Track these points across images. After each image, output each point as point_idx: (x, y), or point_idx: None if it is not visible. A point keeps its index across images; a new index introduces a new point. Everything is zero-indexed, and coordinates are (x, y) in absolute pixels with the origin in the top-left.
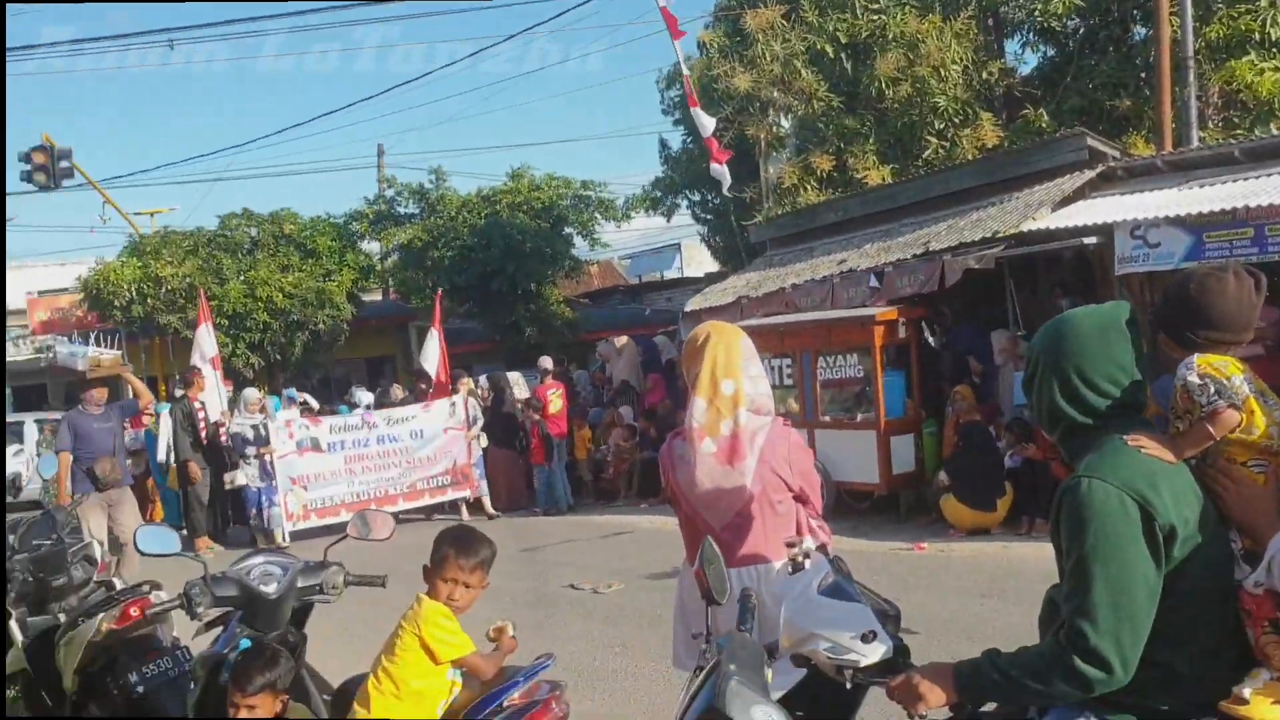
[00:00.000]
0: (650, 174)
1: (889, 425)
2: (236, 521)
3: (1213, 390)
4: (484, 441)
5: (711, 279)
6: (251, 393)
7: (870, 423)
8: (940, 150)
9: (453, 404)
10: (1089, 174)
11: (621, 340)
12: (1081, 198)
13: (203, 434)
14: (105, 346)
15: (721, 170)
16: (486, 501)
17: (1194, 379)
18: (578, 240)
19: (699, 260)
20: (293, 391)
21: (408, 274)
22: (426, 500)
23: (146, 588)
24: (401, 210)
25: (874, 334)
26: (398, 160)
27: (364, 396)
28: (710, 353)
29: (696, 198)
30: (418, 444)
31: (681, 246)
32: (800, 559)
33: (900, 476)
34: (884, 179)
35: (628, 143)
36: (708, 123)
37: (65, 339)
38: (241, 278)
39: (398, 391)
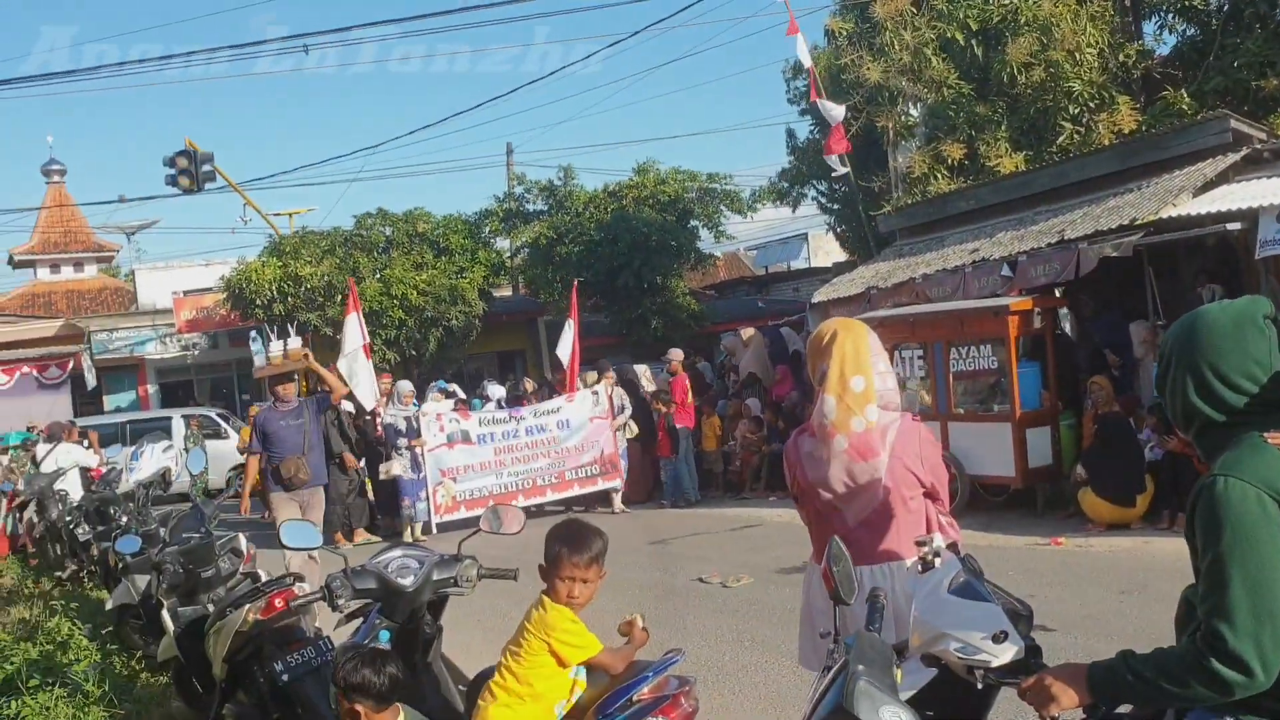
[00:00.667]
0: (777, 165)
1: (1024, 417)
2: (386, 514)
3: None
4: (631, 430)
5: (839, 269)
6: (405, 385)
7: (1005, 415)
8: (1075, 136)
9: (595, 393)
10: (1232, 157)
11: (748, 332)
12: (1225, 182)
13: (349, 427)
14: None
15: (835, 159)
16: (616, 497)
17: None
18: (703, 233)
19: (826, 250)
20: (443, 383)
21: (536, 270)
22: (575, 490)
23: (291, 579)
24: (530, 208)
25: (1008, 324)
26: (527, 158)
27: (496, 390)
28: (839, 349)
29: (823, 188)
30: (565, 434)
31: (809, 237)
32: (930, 557)
33: (1036, 470)
34: (1017, 167)
35: (754, 135)
36: (836, 112)
37: (254, 334)
38: (377, 276)
39: (528, 384)
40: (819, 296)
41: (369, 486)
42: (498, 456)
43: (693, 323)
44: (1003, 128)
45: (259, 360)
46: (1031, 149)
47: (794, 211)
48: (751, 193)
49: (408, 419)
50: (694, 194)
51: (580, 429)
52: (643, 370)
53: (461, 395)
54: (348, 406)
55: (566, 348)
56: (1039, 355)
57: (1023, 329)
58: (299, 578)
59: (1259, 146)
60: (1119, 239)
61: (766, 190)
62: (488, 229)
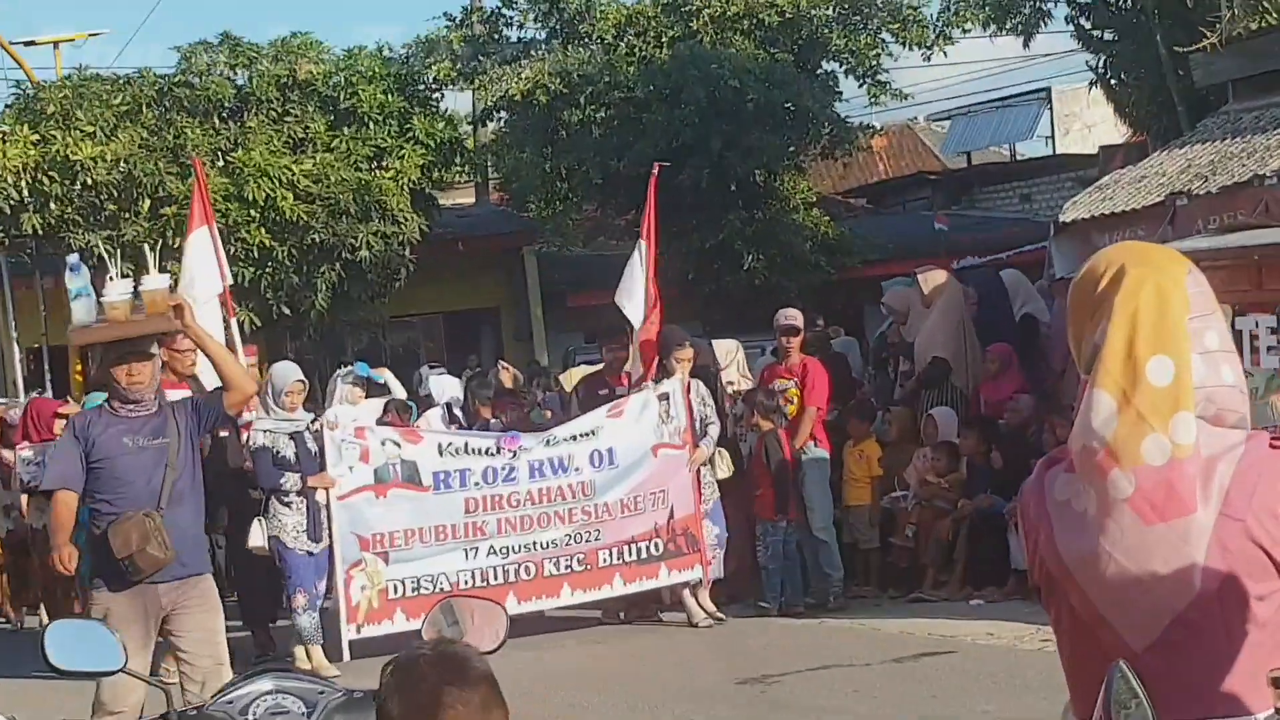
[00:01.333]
0: None
1: None
2: (252, 619)
3: None
4: (724, 467)
5: (1113, 159)
6: (287, 371)
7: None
8: None
9: (665, 397)
10: None
11: (934, 277)
12: None
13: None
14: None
15: None
16: (699, 596)
17: None
18: (848, 86)
19: (1087, 123)
20: (363, 367)
21: (523, 156)
22: (619, 587)
23: None
24: (513, 35)
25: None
26: None
27: (442, 386)
28: (1127, 303)
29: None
30: (604, 477)
31: (1053, 97)
32: None
33: None
34: None
35: None
36: None
37: (73, 262)
38: (220, 163)
39: (505, 377)
40: (1073, 212)
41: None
42: (472, 517)
43: (824, 260)
44: None
45: (81, 311)
46: None
47: (1026, 47)
48: (943, 8)
49: (295, 435)
50: (831, 10)
51: (633, 469)
52: (727, 351)
53: (397, 391)
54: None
55: (636, 294)
56: None
57: None
58: None
59: None
60: None
61: (971, 4)
62: (432, 76)
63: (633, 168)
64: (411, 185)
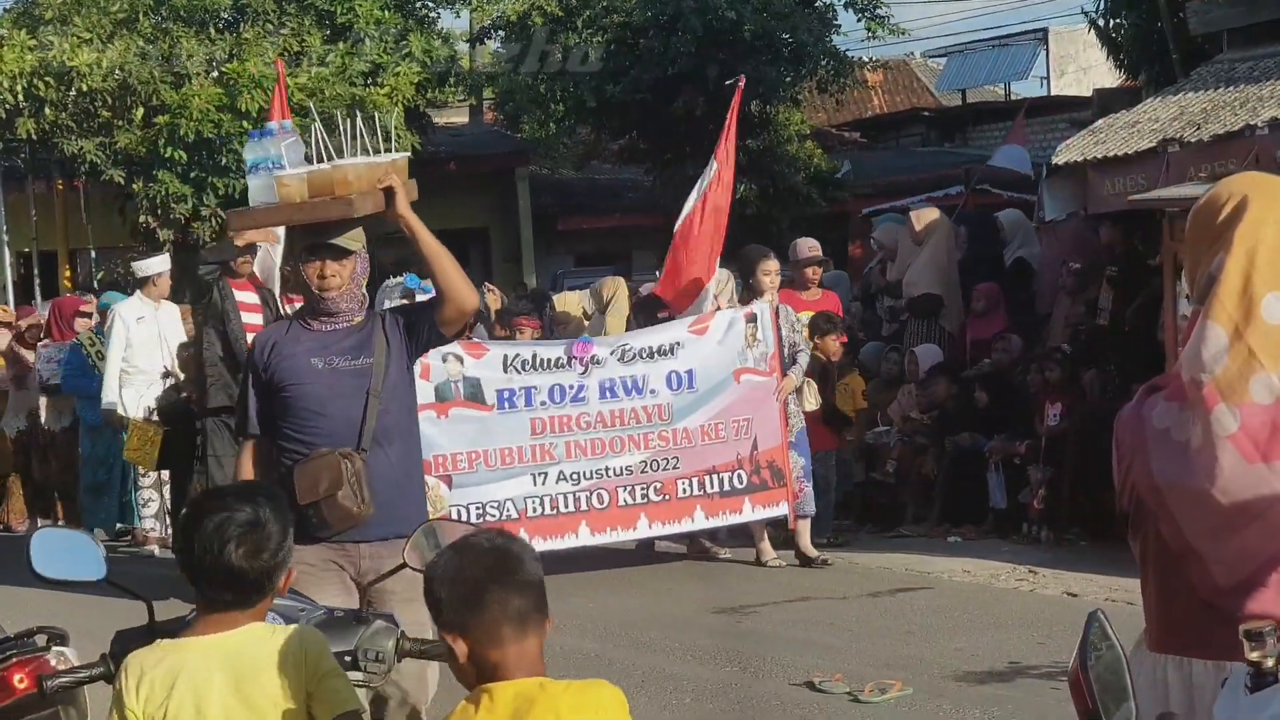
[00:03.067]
0: None
1: None
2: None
3: None
4: (813, 400)
5: (1107, 102)
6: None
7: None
8: None
9: (752, 319)
10: None
11: (926, 216)
12: None
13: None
14: None
15: None
16: (805, 535)
17: None
18: (846, 19)
19: (1082, 64)
20: (413, 279)
21: (519, 77)
22: (700, 520)
23: (42, 639)
24: None
25: None
26: None
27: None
28: (1246, 237)
29: None
30: (682, 401)
31: (1049, 38)
32: (1271, 663)
33: None
34: None
35: None
36: None
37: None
38: (214, 73)
39: (491, 298)
40: (1066, 154)
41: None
42: (539, 439)
43: (817, 194)
44: None
45: (261, 190)
46: None
47: None
48: None
49: None
50: None
51: (714, 393)
52: (719, 281)
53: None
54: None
55: (684, 214)
56: None
57: None
58: (58, 636)
59: None
60: None
61: None
62: None
63: (626, 97)
64: (406, 103)
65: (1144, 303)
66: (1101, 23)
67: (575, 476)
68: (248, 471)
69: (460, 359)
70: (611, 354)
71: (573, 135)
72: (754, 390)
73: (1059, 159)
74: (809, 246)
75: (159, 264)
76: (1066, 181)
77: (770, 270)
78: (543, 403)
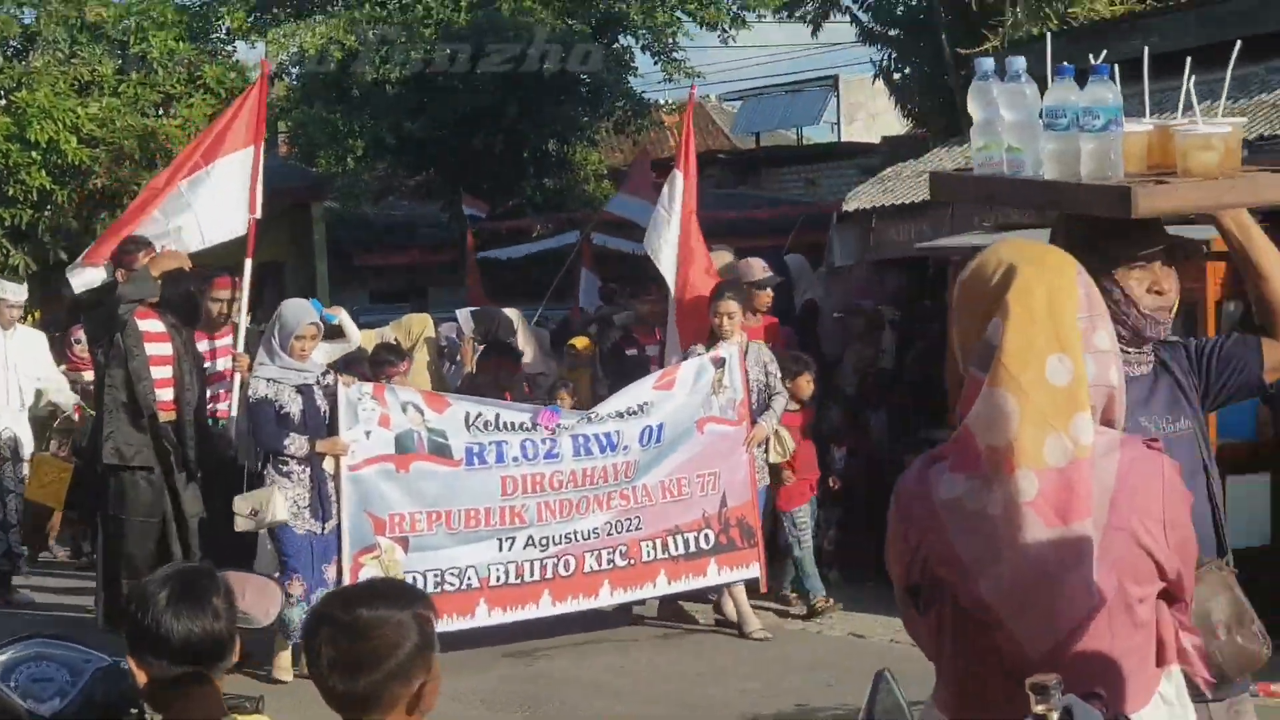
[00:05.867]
0: None
1: (1224, 455)
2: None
3: None
4: (779, 451)
5: (896, 149)
6: (301, 312)
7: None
8: None
9: (720, 362)
10: None
11: (721, 257)
12: None
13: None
14: None
15: None
16: (739, 599)
17: None
18: (644, 62)
19: (872, 112)
20: (317, 304)
21: (314, 111)
22: (662, 585)
23: None
24: None
25: (1205, 277)
26: None
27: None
28: (1020, 302)
29: None
30: (647, 456)
31: (840, 85)
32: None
33: (1239, 554)
34: None
35: None
36: None
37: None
38: (3, 101)
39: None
40: (856, 201)
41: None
42: (510, 500)
43: (616, 229)
44: None
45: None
46: None
47: (814, 35)
48: None
49: (302, 389)
50: None
51: (675, 445)
52: (515, 318)
53: (353, 335)
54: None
55: (670, 243)
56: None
57: (1230, 286)
58: None
59: None
60: None
61: None
62: (225, 26)
63: (424, 133)
64: (199, 133)
65: (926, 347)
66: (891, 71)
67: (544, 541)
68: None
69: (421, 410)
70: (579, 420)
71: (371, 170)
72: (721, 441)
73: (848, 206)
74: (762, 267)
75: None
76: (855, 228)
77: (724, 312)
78: (515, 459)
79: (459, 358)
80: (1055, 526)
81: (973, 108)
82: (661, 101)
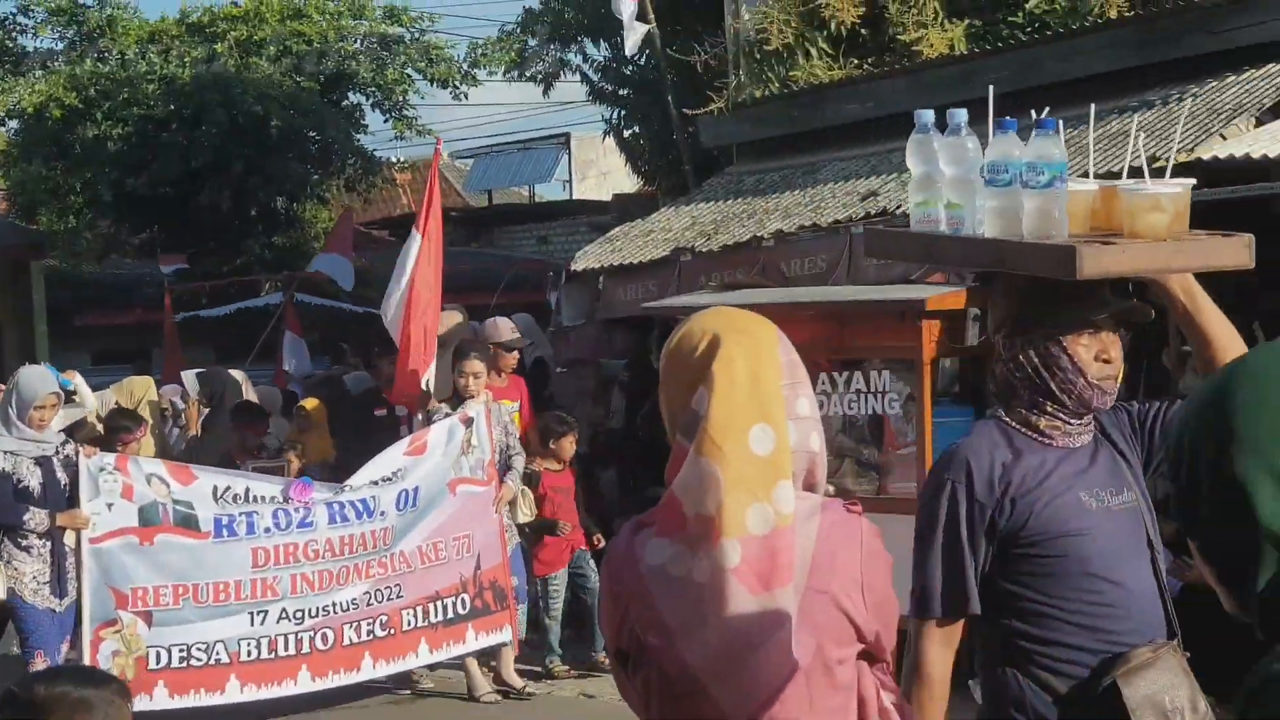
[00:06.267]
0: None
1: None
2: None
3: None
4: (527, 511)
5: (626, 209)
6: (38, 382)
7: (908, 504)
8: (1058, 0)
9: (469, 421)
10: None
11: (450, 317)
12: None
13: None
14: None
15: (626, 4)
16: (505, 663)
17: None
18: (374, 119)
19: (603, 170)
20: (71, 378)
21: (33, 168)
22: (424, 655)
23: None
24: (28, 44)
25: (920, 335)
26: None
27: None
28: (724, 372)
29: (602, 54)
30: (404, 522)
31: (572, 143)
32: None
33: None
34: (953, 47)
35: None
36: None
37: None
38: None
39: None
40: (585, 260)
41: None
42: (261, 572)
43: (341, 291)
44: None
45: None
46: (980, 16)
47: (546, 94)
48: (469, 52)
49: (41, 461)
50: (359, 44)
51: (430, 508)
52: (243, 379)
53: (88, 401)
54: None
55: (397, 300)
56: (973, 395)
57: (945, 343)
58: None
59: None
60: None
61: (496, 48)
62: None
63: (147, 190)
64: None
65: (655, 407)
66: (620, 130)
67: (299, 614)
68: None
69: (166, 482)
70: (332, 493)
71: (93, 228)
72: (473, 502)
73: (576, 265)
74: (509, 328)
75: None
76: (584, 287)
77: (469, 372)
78: (266, 530)
79: (183, 420)
80: (758, 594)
81: (912, 161)
82: (394, 159)
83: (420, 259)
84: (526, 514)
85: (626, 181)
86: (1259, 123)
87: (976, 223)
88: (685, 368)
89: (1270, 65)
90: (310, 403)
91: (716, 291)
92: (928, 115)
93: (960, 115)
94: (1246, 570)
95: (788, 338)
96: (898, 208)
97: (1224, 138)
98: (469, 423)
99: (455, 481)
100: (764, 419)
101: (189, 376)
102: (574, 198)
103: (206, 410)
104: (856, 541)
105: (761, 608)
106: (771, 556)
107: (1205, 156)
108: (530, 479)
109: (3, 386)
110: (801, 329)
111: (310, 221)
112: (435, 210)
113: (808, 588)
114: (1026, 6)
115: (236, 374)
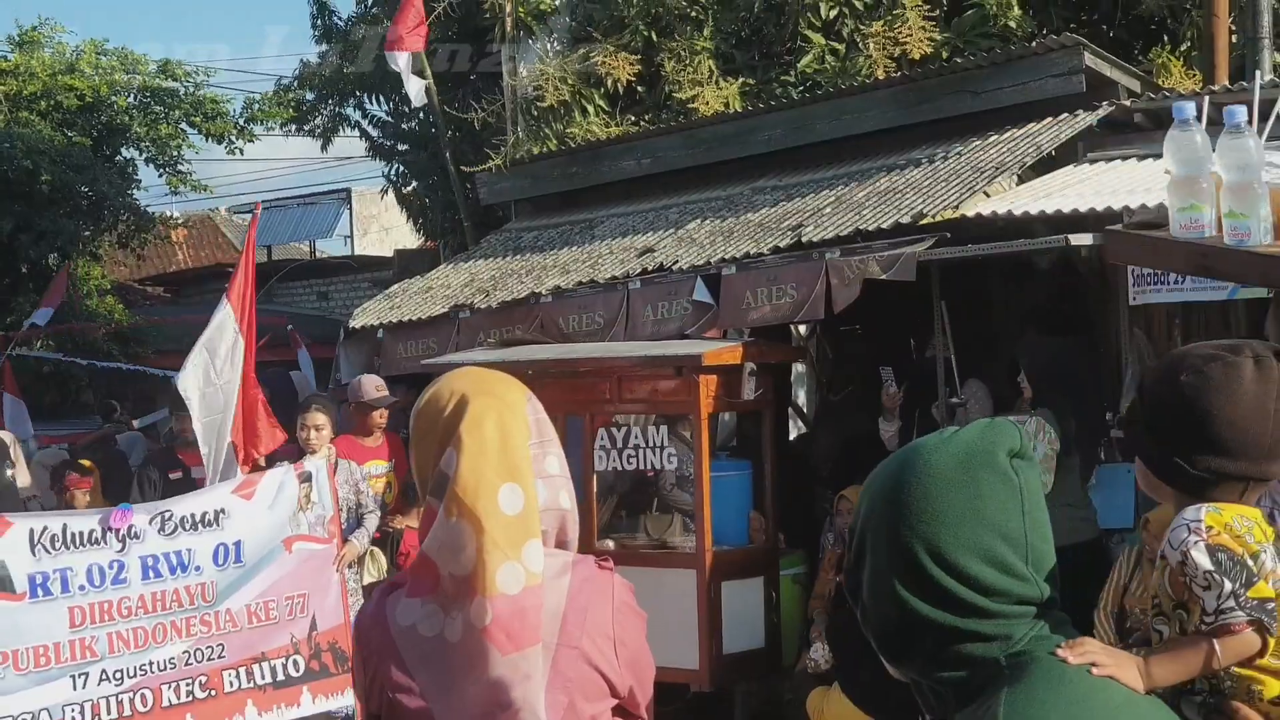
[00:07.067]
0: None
1: (720, 562)
2: None
3: (1228, 588)
4: (375, 570)
5: (408, 262)
6: None
7: (684, 557)
8: (829, 60)
9: (306, 477)
10: (1086, 118)
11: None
12: (1071, 160)
13: None
14: None
15: (402, 60)
16: None
17: (1201, 558)
18: (148, 174)
19: (385, 225)
20: None
21: None
22: (252, 717)
23: None
24: None
25: (697, 390)
26: None
27: None
28: (472, 433)
29: (382, 109)
30: (228, 578)
31: (353, 198)
32: None
33: (737, 657)
34: (727, 105)
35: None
36: None
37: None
38: None
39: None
40: (363, 318)
41: None
42: (79, 632)
43: (116, 349)
44: (707, 33)
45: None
46: (754, 75)
47: (324, 149)
48: (247, 106)
49: None
50: (133, 97)
51: (261, 566)
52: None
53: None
54: None
55: (195, 369)
56: (751, 449)
57: (723, 399)
58: None
59: (1130, 104)
60: (895, 248)
61: (274, 104)
62: None
63: None
64: None
65: None
66: (400, 186)
67: (119, 675)
68: None
69: None
70: (151, 523)
71: None
72: (310, 560)
73: (355, 322)
74: (375, 386)
75: None
76: (362, 344)
77: (311, 424)
78: (81, 587)
79: None
80: (509, 654)
81: (1172, 160)
82: (170, 214)
83: (239, 326)
84: (374, 574)
85: (409, 237)
86: (1021, 180)
87: (1263, 233)
88: (433, 429)
89: (1030, 124)
90: (84, 464)
91: (495, 348)
92: (1188, 107)
93: (1239, 112)
94: (906, 649)
95: (557, 393)
96: (674, 263)
97: (987, 195)
98: (306, 477)
99: (292, 539)
100: (512, 478)
101: None
102: (356, 253)
103: None
104: (608, 597)
105: (512, 668)
106: (521, 616)
107: (969, 213)
108: (390, 539)
109: None
110: (579, 385)
111: (83, 279)
112: (250, 277)
113: (559, 644)
114: (798, 66)
115: (6, 436)
